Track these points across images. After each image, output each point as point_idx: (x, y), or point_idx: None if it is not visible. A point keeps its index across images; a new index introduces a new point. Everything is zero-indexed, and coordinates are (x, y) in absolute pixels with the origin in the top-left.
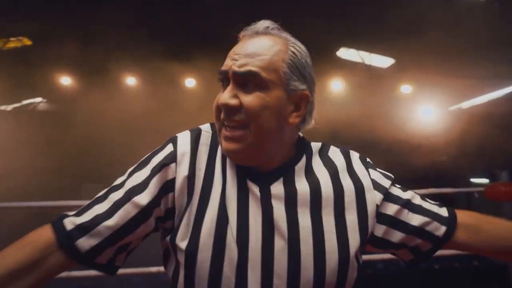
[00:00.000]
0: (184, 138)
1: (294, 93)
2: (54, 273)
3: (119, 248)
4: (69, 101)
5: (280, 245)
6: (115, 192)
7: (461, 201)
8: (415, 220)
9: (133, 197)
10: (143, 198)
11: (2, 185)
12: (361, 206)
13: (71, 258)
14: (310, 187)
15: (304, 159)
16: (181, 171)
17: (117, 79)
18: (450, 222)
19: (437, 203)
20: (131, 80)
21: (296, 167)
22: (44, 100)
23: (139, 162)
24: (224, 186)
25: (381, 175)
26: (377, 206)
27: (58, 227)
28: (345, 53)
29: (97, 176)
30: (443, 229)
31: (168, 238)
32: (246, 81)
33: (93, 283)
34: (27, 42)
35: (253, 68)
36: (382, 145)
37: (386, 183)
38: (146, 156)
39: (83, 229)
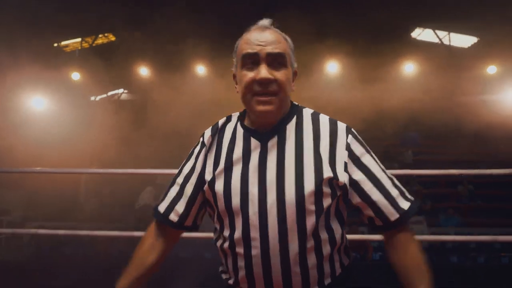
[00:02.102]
0: (207, 131)
1: (293, 70)
2: (171, 242)
3: (196, 212)
4: (146, 90)
5: (270, 181)
6: (179, 178)
7: None
8: (375, 195)
9: (189, 180)
10: (195, 178)
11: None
12: (332, 154)
13: (172, 227)
14: (296, 139)
15: (294, 119)
16: (208, 149)
17: (187, 68)
18: (406, 215)
19: (411, 197)
20: (200, 69)
21: (288, 125)
22: (125, 91)
23: (188, 154)
24: (232, 147)
25: (357, 143)
26: (345, 163)
27: (156, 213)
28: (420, 33)
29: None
30: (396, 216)
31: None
32: (275, 60)
33: None
34: (112, 38)
35: (281, 51)
36: (464, 132)
37: (358, 150)
38: (192, 149)
39: (169, 209)
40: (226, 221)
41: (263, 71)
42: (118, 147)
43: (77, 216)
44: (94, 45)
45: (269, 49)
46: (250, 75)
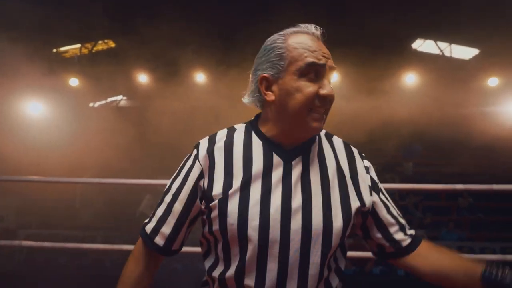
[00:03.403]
0: (203, 143)
1: None
2: (156, 265)
3: (184, 234)
4: (146, 97)
5: (295, 206)
6: (167, 196)
7: None
8: (389, 221)
9: (177, 197)
10: (184, 195)
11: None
12: (355, 179)
13: (158, 253)
14: (319, 161)
15: (317, 140)
16: (209, 163)
17: (187, 76)
18: (415, 240)
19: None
20: (200, 77)
21: (312, 146)
22: (124, 98)
23: (178, 168)
24: (249, 161)
25: (372, 168)
26: (369, 186)
27: (143, 233)
28: (421, 45)
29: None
30: (408, 241)
31: (212, 203)
32: (330, 76)
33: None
34: (112, 44)
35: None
36: (465, 144)
37: (374, 175)
38: (182, 162)
39: (154, 232)
40: (236, 249)
41: (329, 87)
42: (116, 154)
43: (72, 224)
44: (93, 51)
45: (331, 63)
46: (312, 87)
